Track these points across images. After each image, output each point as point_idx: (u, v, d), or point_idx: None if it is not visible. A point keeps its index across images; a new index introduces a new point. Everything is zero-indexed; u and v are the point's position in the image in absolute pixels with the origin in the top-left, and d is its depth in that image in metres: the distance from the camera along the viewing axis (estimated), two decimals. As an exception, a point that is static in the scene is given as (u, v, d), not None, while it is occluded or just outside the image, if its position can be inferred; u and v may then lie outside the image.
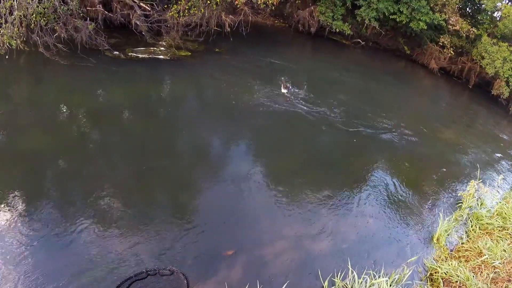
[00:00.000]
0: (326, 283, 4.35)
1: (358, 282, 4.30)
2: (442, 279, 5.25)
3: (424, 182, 7.30)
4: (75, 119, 6.87)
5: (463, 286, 5.11)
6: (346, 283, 4.36)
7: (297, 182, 6.09)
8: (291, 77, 10.14)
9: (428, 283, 5.17)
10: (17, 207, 4.74)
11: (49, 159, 5.69)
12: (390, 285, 4.31)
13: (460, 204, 6.85)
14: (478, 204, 7.11)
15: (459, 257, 5.84)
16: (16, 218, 4.62)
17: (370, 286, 4.31)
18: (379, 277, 4.48)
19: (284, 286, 3.61)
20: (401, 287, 4.60)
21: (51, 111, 6.80)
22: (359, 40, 14.88)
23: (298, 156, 6.92)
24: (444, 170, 8.04)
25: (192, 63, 10.01)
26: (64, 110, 7.06)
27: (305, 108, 8.50)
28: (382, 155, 7.66)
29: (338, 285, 4.34)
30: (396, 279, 4.58)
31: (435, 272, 5.37)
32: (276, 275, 4.35)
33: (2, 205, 4.75)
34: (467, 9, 15.55)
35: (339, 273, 4.49)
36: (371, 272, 4.51)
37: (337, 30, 13.49)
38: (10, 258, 4.15)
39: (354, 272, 4.42)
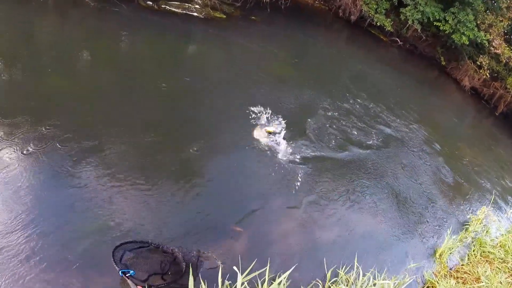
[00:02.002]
0: (329, 273, 4.38)
1: (361, 278, 4.32)
2: (438, 294, 5.34)
3: (439, 196, 7.29)
4: (97, 63, 6.75)
5: (457, 307, 5.18)
6: (349, 277, 4.38)
7: (314, 168, 6.06)
8: (320, 59, 9.98)
9: (424, 295, 5.25)
10: (25, 146, 4.70)
11: (62, 101, 5.59)
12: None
13: (467, 226, 6.87)
14: (483, 231, 7.15)
15: (457, 277, 5.91)
16: (21, 157, 4.60)
17: (373, 285, 4.33)
18: (381, 277, 4.50)
19: (291, 269, 3.58)
20: (400, 293, 4.64)
21: (74, 52, 6.66)
22: (397, 39, 14.55)
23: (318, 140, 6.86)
24: (459, 188, 8.03)
25: (225, 26, 9.79)
26: (87, 54, 6.93)
27: (327, 100, 8.36)
28: (400, 162, 7.61)
29: (342, 277, 4.37)
30: (396, 284, 4.62)
31: (433, 287, 5.45)
32: (282, 256, 4.38)
33: (12, 142, 4.71)
34: (513, 36, 15.20)
35: (343, 266, 4.52)
36: (375, 272, 4.53)
37: (378, 23, 13.18)
38: (10, 196, 4.14)
39: (359, 267, 4.45)
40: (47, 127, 5.11)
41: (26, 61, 6.30)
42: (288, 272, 3.58)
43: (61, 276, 3.58)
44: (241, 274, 3.31)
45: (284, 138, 6.36)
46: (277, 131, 6.55)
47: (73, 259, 3.73)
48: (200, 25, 9.27)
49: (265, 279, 3.70)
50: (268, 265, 3.67)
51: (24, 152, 4.68)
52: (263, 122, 6.61)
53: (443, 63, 15.00)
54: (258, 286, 3.63)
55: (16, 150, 4.67)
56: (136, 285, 3.14)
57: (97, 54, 7.05)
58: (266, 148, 6.04)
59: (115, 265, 3.31)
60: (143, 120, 5.69)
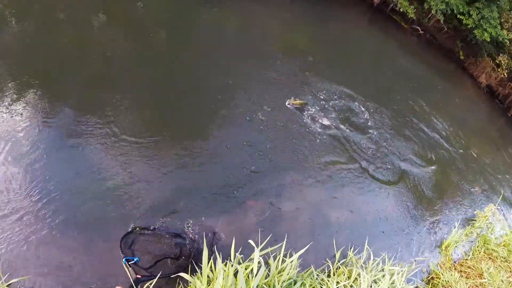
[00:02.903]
0: (339, 253, 4.36)
1: (371, 262, 4.29)
2: (442, 286, 5.36)
3: (448, 188, 7.25)
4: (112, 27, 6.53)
5: (459, 300, 5.21)
6: (358, 259, 4.36)
7: (329, 148, 5.98)
8: (335, 40, 9.72)
9: (429, 286, 5.26)
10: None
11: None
12: (401, 276, 4.31)
13: (474, 221, 6.87)
14: (488, 228, 7.15)
15: (461, 271, 5.94)
16: (34, 120, 4.55)
17: (381, 270, 4.31)
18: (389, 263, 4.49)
19: (305, 248, 3.53)
20: (405, 281, 4.62)
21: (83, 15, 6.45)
22: (418, 27, 14.19)
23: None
24: (469, 182, 7.99)
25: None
26: (98, 17, 6.74)
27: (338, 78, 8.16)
28: (412, 149, 7.51)
29: (351, 258, 4.34)
30: (403, 271, 4.60)
31: (437, 277, 5.46)
32: (293, 233, 4.37)
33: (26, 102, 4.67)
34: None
35: (352, 248, 4.50)
36: (385, 257, 4.51)
37: (401, 9, 12.81)
38: (21, 161, 4.14)
39: (369, 249, 4.42)
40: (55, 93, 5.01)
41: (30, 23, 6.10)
42: (302, 251, 3.53)
43: (66, 238, 3.63)
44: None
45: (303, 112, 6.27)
46: (304, 102, 6.67)
47: (78, 222, 3.77)
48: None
49: (276, 255, 3.65)
50: (285, 241, 3.61)
51: (35, 119, 4.61)
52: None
53: (462, 57, 14.69)
54: (270, 262, 3.57)
55: (26, 116, 4.61)
56: (136, 273, 3.11)
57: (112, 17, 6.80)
58: (281, 123, 5.93)
59: (120, 253, 3.30)
60: (155, 88, 5.57)
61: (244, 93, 6.21)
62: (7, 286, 3.09)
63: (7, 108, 4.58)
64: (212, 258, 3.40)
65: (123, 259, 3.21)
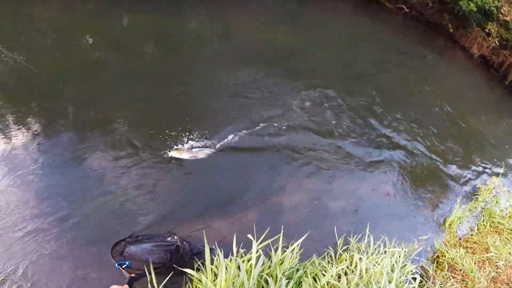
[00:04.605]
0: (340, 240, 4.64)
1: (372, 246, 4.57)
2: (447, 264, 5.63)
3: (448, 164, 7.52)
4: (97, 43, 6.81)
5: (466, 276, 5.48)
6: (360, 246, 4.64)
7: (323, 136, 6.26)
8: (321, 26, 10.00)
9: (434, 264, 5.54)
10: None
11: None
12: (400, 256, 4.59)
13: (477, 195, 7.13)
14: (493, 201, 7.42)
15: (467, 247, 6.20)
16: (33, 137, 5.07)
17: (384, 252, 4.59)
18: (391, 245, 4.76)
19: (304, 237, 3.82)
20: (409, 261, 4.91)
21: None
22: (403, 6, 14.54)
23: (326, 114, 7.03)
24: (469, 156, 8.26)
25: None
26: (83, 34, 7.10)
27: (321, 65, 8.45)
28: (410, 130, 7.79)
29: (353, 245, 4.63)
30: (406, 251, 4.88)
31: (442, 256, 5.74)
32: (293, 225, 4.64)
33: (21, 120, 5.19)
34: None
35: (354, 235, 4.78)
36: (386, 239, 4.79)
37: (383, -11, 13.14)
38: (22, 177, 4.60)
39: (371, 236, 4.70)
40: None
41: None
42: (300, 240, 3.80)
43: (75, 250, 3.97)
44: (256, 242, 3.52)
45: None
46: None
47: (89, 236, 4.14)
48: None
49: (277, 246, 3.94)
50: (282, 233, 3.88)
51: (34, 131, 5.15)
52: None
53: (451, 30, 15.04)
54: (271, 254, 3.85)
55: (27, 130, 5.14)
56: (130, 273, 3.40)
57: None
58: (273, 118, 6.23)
59: (112, 259, 3.63)
60: (149, 100, 6.09)
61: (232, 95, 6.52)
62: None
63: (8, 131, 5.08)
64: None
65: (116, 264, 3.53)
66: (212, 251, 4.02)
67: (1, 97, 5.59)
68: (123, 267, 3.51)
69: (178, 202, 4.69)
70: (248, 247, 3.88)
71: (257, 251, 3.56)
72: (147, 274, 3.37)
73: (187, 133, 5.52)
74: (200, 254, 4.06)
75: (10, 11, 7.24)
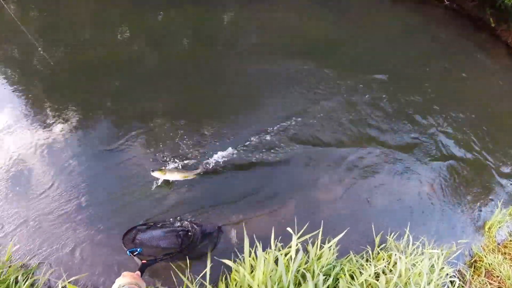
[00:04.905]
0: (378, 238, 4.56)
1: (411, 246, 4.47)
2: (485, 269, 5.45)
3: (492, 166, 7.21)
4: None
5: (503, 283, 5.29)
6: (398, 245, 4.54)
7: (362, 130, 6.15)
8: (360, 18, 9.76)
9: (472, 269, 5.38)
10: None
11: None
12: (438, 259, 4.46)
13: (518, 200, 6.86)
14: (534, 206, 7.10)
15: (505, 253, 5.98)
16: (70, 128, 5.43)
17: (421, 254, 4.47)
18: (430, 246, 4.64)
19: (342, 234, 3.76)
20: (447, 264, 4.77)
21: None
22: (443, -2, 14.03)
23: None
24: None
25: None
26: (120, 27, 7.30)
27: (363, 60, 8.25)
28: (451, 125, 7.49)
29: (390, 243, 4.53)
30: (444, 254, 4.74)
31: (480, 260, 5.56)
32: (330, 221, 4.58)
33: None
34: None
35: (391, 233, 4.68)
36: (425, 240, 4.67)
37: (423, -19, 12.68)
38: (60, 167, 4.91)
39: (410, 236, 4.60)
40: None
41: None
42: (339, 236, 3.76)
43: (110, 237, 4.15)
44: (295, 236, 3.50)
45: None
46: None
47: (119, 222, 4.31)
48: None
49: (314, 241, 3.90)
50: (321, 228, 3.84)
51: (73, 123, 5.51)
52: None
53: (493, 24, 14.39)
54: (309, 248, 3.82)
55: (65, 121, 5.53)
56: (141, 260, 3.43)
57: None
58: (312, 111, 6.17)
59: (123, 246, 3.70)
60: (185, 94, 6.33)
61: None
62: (68, 283, 3.48)
63: (46, 121, 5.49)
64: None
65: (127, 251, 3.59)
66: (219, 232, 4.07)
67: (40, 89, 5.85)
68: (134, 254, 3.57)
69: (214, 194, 4.76)
70: (284, 241, 3.87)
71: (296, 245, 3.53)
72: (158, 260, 3.52)
73: (222, 130, 5.63)
74: (211, 235, 4.22)
75: (52, 3, 7.48)
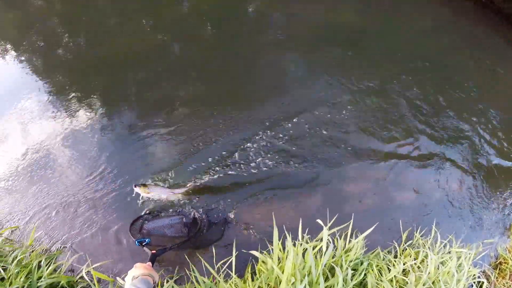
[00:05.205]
0: (405, 234, 4.48)
1: (438, 244, 4.39)
2: (510, 271, 5.34)
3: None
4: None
5: (527, 287, 5.19)
6: (425, 242, 4.46)
7: (390, 123, 6.04)
8: (387, 9, 9.53)
9: (496, 271, 5.27)
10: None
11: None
12: (466, 258, 4.38)
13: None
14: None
15: (530, 255, 5.87)
16: (97, 115, 5.57)
17: (447, 252, 4.39)
18: (456, 245, 4.55)
19: (372, 228, 3.69)
20: (472, 265, 4.68)
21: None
22: (472, -10, 13.59)
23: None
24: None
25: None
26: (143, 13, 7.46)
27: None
28: (480, 125, 7.30)
29: (417, 240, 4.46)
30: (470, 254, 4.65)
31: (505, 262, 5.45)
32: (357, 214, 4.51)
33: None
34: None
35: (418, 229, 4.60)
36: (452, 239, 4.59)
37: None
38: (84, 153, 5.02)
39: (437, 232, 4.51)
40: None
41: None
42: (369, 230, 3.69)
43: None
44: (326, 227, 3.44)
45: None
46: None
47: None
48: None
49: (342, 234, 3.85)
50: (352, 220, 3.78)
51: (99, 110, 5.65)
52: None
53: (522, 21, 13.98)
54: (336, 242, 3.76)
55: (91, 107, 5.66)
56: (151, 250, 3.42)
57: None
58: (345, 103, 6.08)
59: (131, 236, 3.72)
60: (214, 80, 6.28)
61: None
62: (92, 268, 3.50)
63: (71, 108, 5.63)
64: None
65: (136, 242, 3.58)
66: (226, 221, 4.04)
67: (65, 78, 5.90)
68: (143, 244, 3.56)
69: (236, 184, 4.75)
70: (310, 233, 3.82)
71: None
72: (168, 249, 3.51)
73: (249, 116, 5.59)
74: (216, 224, 4.22)
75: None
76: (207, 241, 4.08)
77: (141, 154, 4.84)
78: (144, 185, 4.14)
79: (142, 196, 4.35)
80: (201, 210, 4.33)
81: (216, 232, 4.17)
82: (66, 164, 4.82)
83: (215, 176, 4.72)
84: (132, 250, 3.99)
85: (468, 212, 5.35)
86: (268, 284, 3.33)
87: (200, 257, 3.66)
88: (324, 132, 5.50)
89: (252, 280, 3.46)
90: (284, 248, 3.56)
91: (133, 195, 4.34)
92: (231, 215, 4.34)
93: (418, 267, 3.93)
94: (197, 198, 4.48)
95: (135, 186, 4.12)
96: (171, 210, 4.33)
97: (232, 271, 3.32)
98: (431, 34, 8.99)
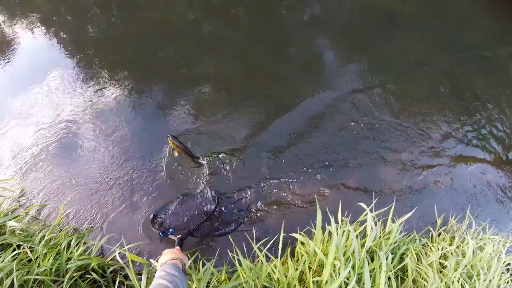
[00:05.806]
0: (440, 219, 4.47)
1: (471, 230, 4.37)
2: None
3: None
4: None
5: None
6: (460, 227, 4.45)
7: (425, 110, 5.97)
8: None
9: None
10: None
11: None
12: (502, 245, 4.36)
13: None
14: None
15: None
16: (127, 92, 5.51)
17: (481, 239, 4.38)
18: (489, 232, 4.54)
19: (411, 212, 3.65)
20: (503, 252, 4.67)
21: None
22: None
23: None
24: None
25: None
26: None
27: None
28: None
29: (452, 225, 4.44)
30: (502, 241, 4.64)
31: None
32: (392, 197, 4.51)
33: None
34: None
35: (453, 215, 4.59)
36: (486, 225, 4.58)
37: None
38: (112, 132, 4.97)
39: (472, 218, 4.50)
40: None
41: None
42: (408, 215, 3.64)
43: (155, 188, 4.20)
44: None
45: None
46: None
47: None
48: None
49: (380, 218, 3.84)
50: (394, 204, 3.76)
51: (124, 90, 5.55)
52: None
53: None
54: (376, 225, 3.74)
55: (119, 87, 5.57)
56: (176, 236, 3.46)
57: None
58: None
59: (155, 230, 3.77)
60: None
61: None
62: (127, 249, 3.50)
63: (100, 84, 5.59)
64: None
65: (160, 233, 3.65)
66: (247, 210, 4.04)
67: (94, 53, 5.86)
68: (168, 234, 3.60)
69: (272, 166, 4.70)
70: (348, 216, 3.81)
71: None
72: (191, 230, 3.62)
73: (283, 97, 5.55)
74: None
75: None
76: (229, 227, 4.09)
77: (171, 132, 4.74)
78: (174, 137, 4.37)
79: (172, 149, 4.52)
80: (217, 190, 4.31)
81: (238, 219, 4.17)
82: (94, 142, 4.76)
83: (244, 156, 4.68)
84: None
85: (499, 201, 5.31)
86: (310, 268, 3.33)
87: (237, 239, 3.65)
88: (365, 118, 5.44)
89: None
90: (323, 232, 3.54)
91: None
92: (267, 198, 4.32)
93: (455, 251, 3.92)
94: (231, 178, 4.45)
95: (168, 136, 4.35)
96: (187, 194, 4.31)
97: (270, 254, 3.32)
98: (469, 23, 8.75)
